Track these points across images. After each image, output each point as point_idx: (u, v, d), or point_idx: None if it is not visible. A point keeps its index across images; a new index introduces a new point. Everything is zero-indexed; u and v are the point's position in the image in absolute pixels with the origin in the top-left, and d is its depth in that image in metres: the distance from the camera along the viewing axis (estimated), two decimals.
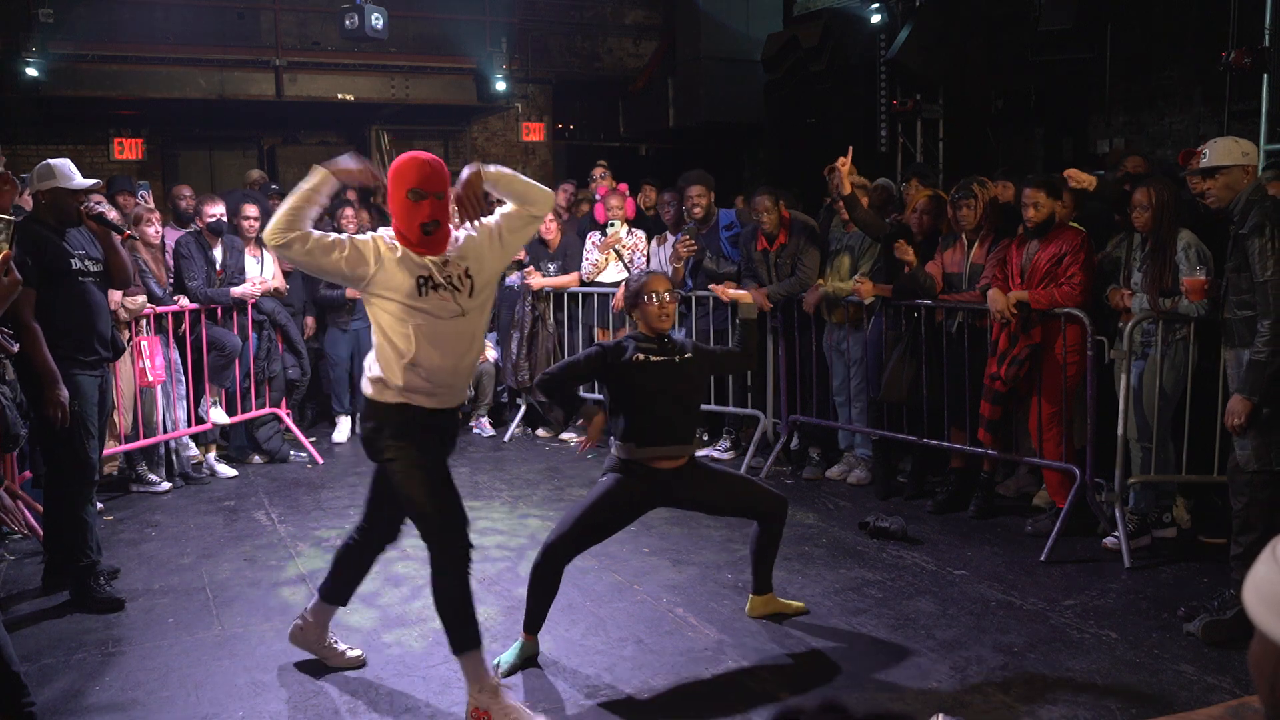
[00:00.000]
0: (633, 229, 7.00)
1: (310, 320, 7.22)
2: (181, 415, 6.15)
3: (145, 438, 5.93)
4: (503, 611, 4.11)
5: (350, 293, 7.04)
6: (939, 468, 5.67)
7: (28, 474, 5.15)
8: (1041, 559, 4.59)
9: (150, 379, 5.77)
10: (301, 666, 3.62)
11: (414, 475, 3.14)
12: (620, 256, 6.92)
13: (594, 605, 4.13)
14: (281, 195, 8.37)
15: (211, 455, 6.43)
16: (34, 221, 4.26)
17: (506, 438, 7.26)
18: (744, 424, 6.73)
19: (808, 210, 6.63)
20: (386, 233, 3.22)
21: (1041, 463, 5.01)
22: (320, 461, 6.69)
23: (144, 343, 5.75)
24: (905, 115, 10.42)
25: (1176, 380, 4.63)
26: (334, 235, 3.15)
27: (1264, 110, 6.55)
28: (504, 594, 4.32)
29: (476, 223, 3.25)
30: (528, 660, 3.61)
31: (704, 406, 5.70)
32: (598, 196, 7.18)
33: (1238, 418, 3.74)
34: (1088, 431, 4.72)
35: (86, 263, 4.34)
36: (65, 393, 4.06)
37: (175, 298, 6.06)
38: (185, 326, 6.08)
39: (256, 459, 6.72)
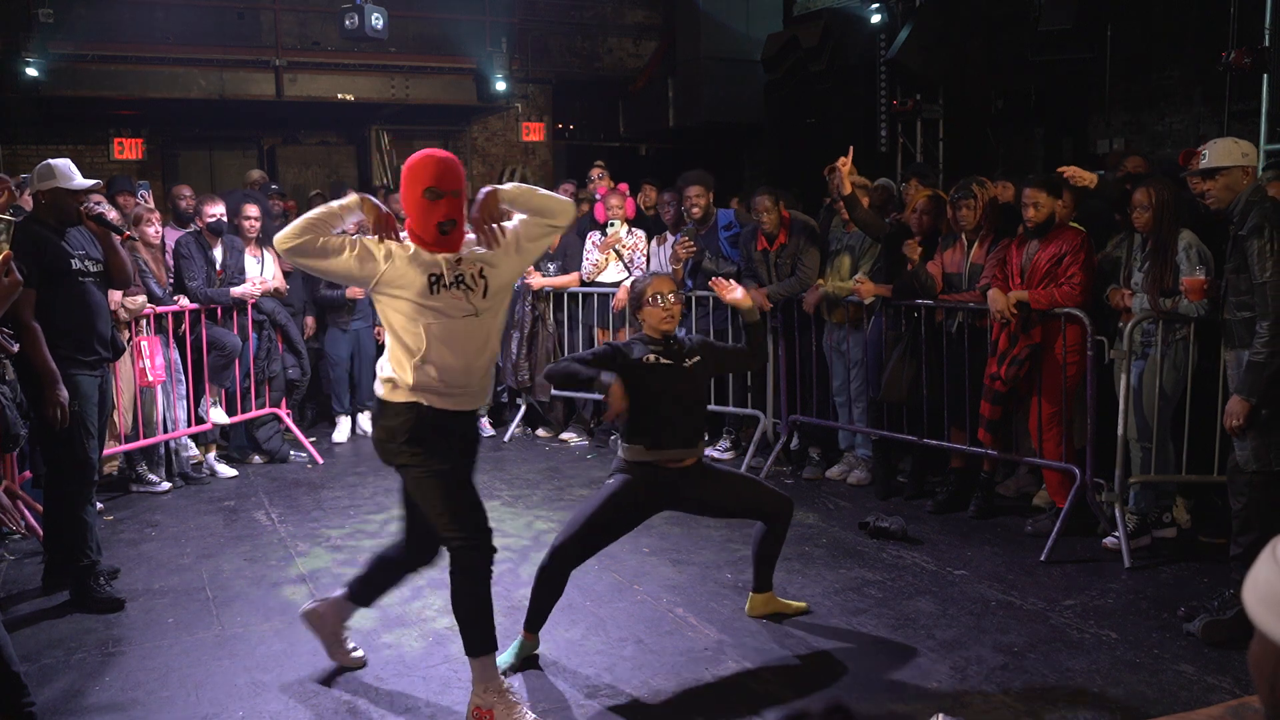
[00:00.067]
0: (633, 229, 7.00)
1: (310, 320, 7.22)
2: (181, 415, 6.15)
3: (145, 438, 5.93)
4: (502, 612, 4.08)
5: (350, 293, 7.05)
6: (939, 468, 5.67)
7: (28, 474, 5.15)
8: (1041, 559, 4.59)
9: (150, 379, 5.78)
10: (301, 666, 3.62)
11: (427, 480, 3.12)
12: (620, 256, 6.92)
13: (594, 605, 4.13)
14: (282, 195, 8.42)
15: (211, 455, 6.44)
16: (34, 221, 4.27)
17: (506, 438, 7.27)
18: (744, 424, 6.73)
19: (808, 210, 6.63)
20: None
21: (1041, 463, 5.01)
22: (320, 461, 6.69)
23: (144, 343, 5.75)
24: (905, 115, 10.42)
25: (1176, 380, 4.63)
26: (343, 236, 3.12)
27: (1264, 110, 6.55)
28: (504, 595, 4.31)
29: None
30: (527, 660, 3.60)
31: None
32: (598, 196, 7.18)
33: (1236, 419, 3.74)
34: (1088, 431, 4.72)
35: (86, 263, 4.34)
36: (65, 393, 4.06)
37: (175, 298, 6.06)
38: (185, 326, 6.08)
39: (256, 459, 6.72)
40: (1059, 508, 4.82)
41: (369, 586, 3.54)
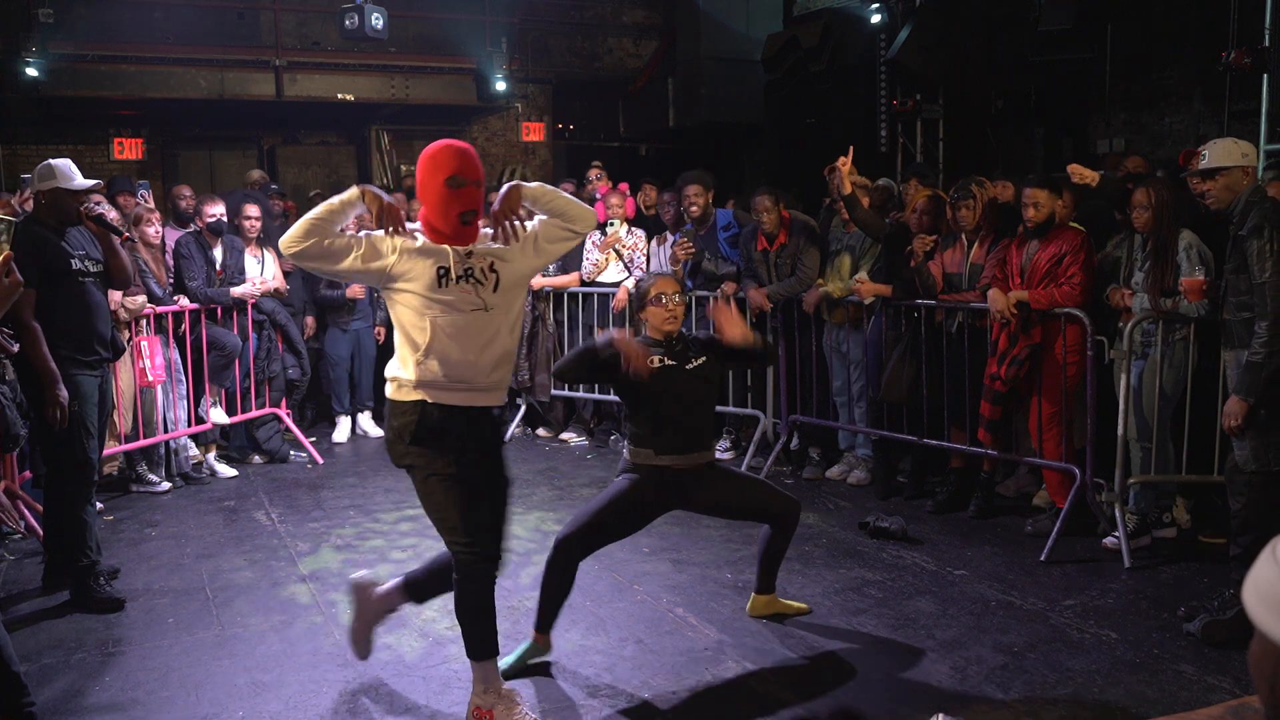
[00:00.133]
0: (632, 228, 7.00)
1: (310, 320, 7.22)
2: (181, 415, 6.15)
3: (145, 438, 5.93)
4: (502, 614, 4.08)
5: (350, 292, 7.05)
6: (939, 468, 5.67)
7: (28, 474, 5.15)
8: (1041, 559, 4.59)
9: (150, 379, 5.78)
10: (301, 666, 3.62)
11: (429, 483, 3.07)
12: (620, 256, 6.92)
13: (594, 605, 4.13)
14: (282, 195, 8.42)
15: (211, 455, 6.44)
16: (34, 222, 4.27)
17: (506, 438, 7.26)
18: (744, 424, 6.74)
19: (808, 210, 6.63)
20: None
21: (1041, 463, 5.01)
22: (320, 461, 6.69)
23: (144, 343, 5.75)
24: (905, 115, 10.43)
25: (1176, 380, 4.63)
26: (349, 234, 3.08)
27: (1264, 110, 6.55)
28: (503, 597, 4.30)
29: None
30: (534, 664, 3.55)
31: None
32: (598, 196, 7.18)
33: (1235, 419, 3.74)
34: (1088, 431, 4.72)
35: (87, 263, 4.34)
36: (65, 393, 4.06)
37: (175, 298, 6.06)
38: (185, 326, 6.09)
39: (256, 459, 6.72)
40: (1059, 508, 4.82)
41: (425, 584, 3.45)
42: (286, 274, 6.80)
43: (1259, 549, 1.05)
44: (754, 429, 6.47)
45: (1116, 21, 9.68)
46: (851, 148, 5.63)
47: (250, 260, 6.48)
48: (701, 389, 3.75)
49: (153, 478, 6.03)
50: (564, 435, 7.24)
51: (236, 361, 6.32)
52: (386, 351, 7.32)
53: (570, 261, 7.09)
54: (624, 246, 6.91)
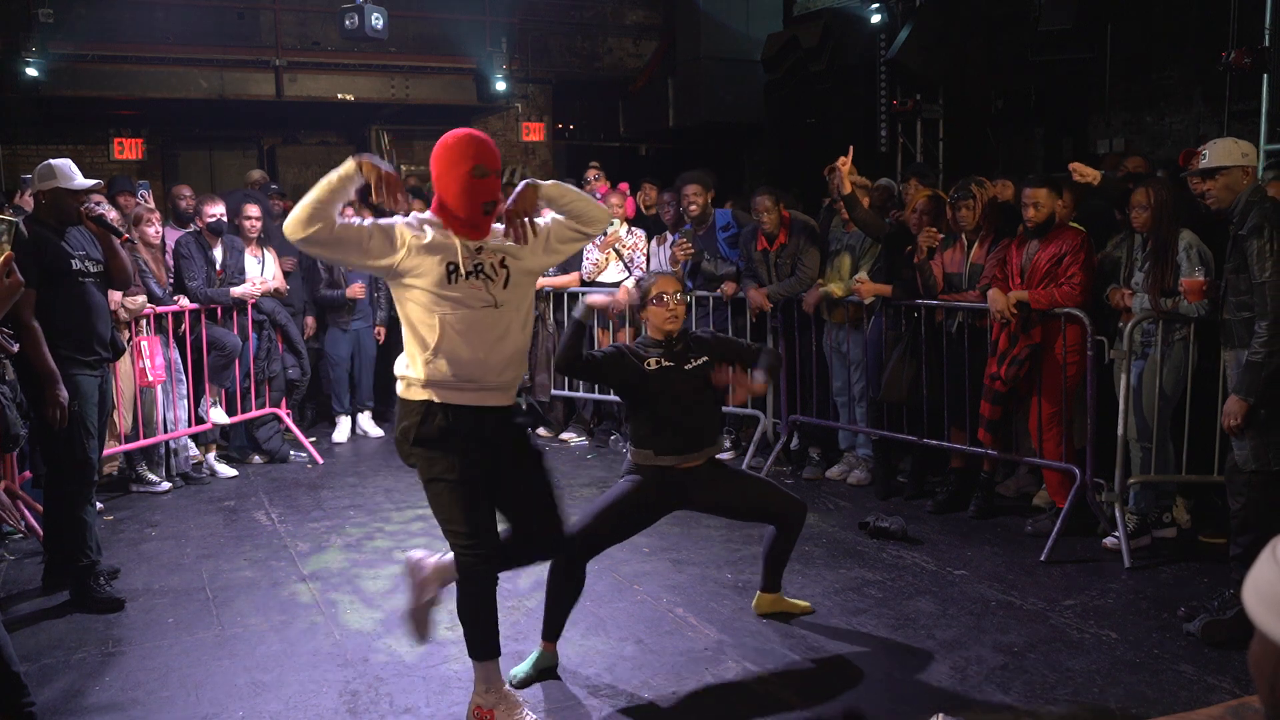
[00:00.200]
0: (632, 228, 7.00)
1: (310, 320, 7.22)
2: (182, 415, 6.15)
3: (145, 438, 5.93)
4: (502, 614, 4.10)
5: (350, 292, 7.05)
6: (939, 468, 5.67)
7: (28, 474, 5.15)
8: (1041, 559, 4.59)
9: (150, 379, 5.78)
10: (301, 666, 3.62)
11: (433, 484, 3.04)
12: (620, 256, 6.93)
13: (594, 605, 4.12)
14: (282, 195, 8.42)
15: (211, 455, 6.44)
16: (35, 222, 4.27)
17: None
18: (744, 424, 6.74)
19: (808, 210, 6.63)
20: (413, 218, 3.08)
21: (1041, 463, 5.01)
22: (320, 461, 6.69)
23: (144, 343, 5.75)
24: (905, 115, 10.43)
25: (1176, 380, 4.63)
26: (357, 222, 3.00)
27: (1264, 110, 6.55)
28: (503, 598, 4.30)
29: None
30: (544, 672, 3.52)
31: None
32: (598, 196, 7.18)
33: (1234, 419, 3.74)
34: (1088, 431, 4.72)
35: (87, 263, 4.34)
36: (65, 393, 4.06)
37: (175, 298, 6.06)
38: (185, 326, 6.09)
39: (256, 459, 6.72)
40: (1059, 508, 4.81)
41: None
42: (286, 274, 6.80)
43: (1259, 549, 1.05)
44: (754, 429, 6.47)
45: (1116, 21, 9.68)
46: (851, 148, 5.63)
47: (250, 260, 6.48)
48: (701, 389, 3.71)
49: (153, 478, 6.03)
50: (564, 435, 7.24)
51: (236, 361, 6.32)
52: (387, 351, 7.37)
53: (570, 261, 7.07)
54: (624, 246, 6.91)
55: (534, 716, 3.16)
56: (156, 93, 10.37)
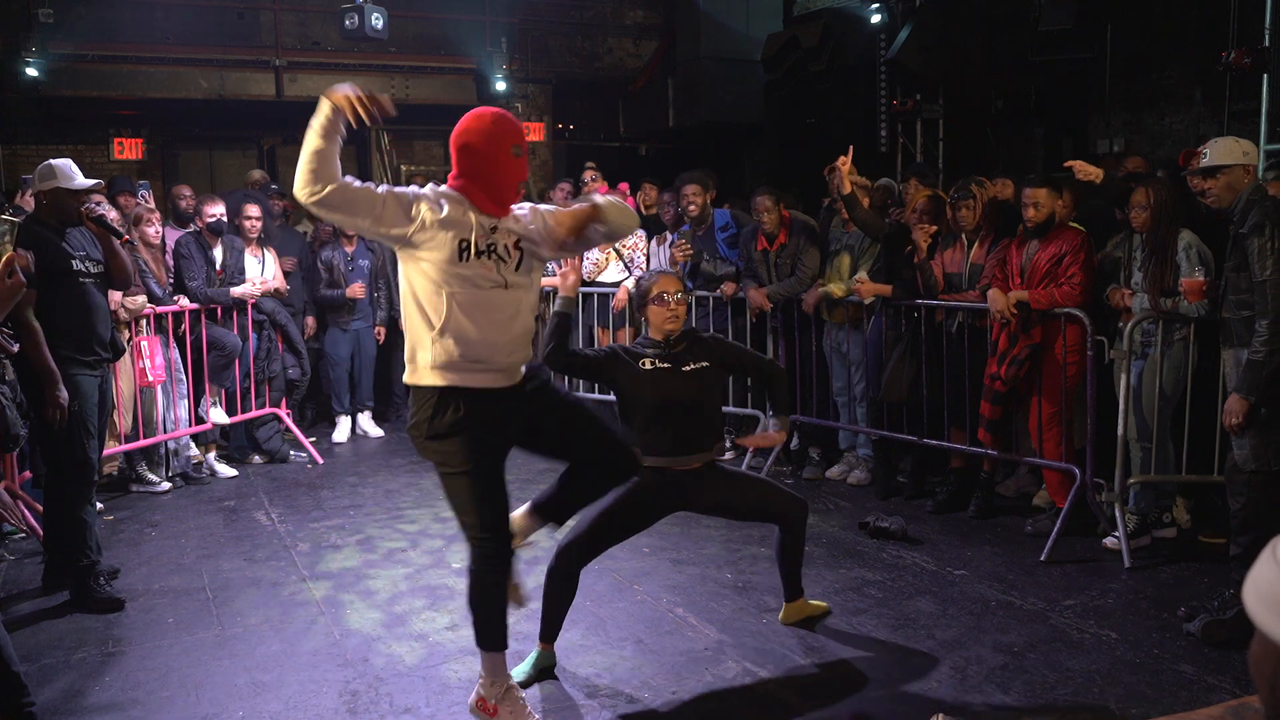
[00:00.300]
0: None
1: (310, 320, 7.22)
2: (182, 415, 6.15)
3: (145, 438, 5.93)
4: None
5: (350, 292, 7.05)
6: (939, 468, 5.67)
7: (28, 474, 5.15)
8: (1041, 559, 4.59)
9: (150, 379, 5.78)
10: (301, 666, 3.62)
11: (448, 478, 3.02)
12: (620, 256, 6.93)
13: (594, 605, 4.12)
14: (282, 195, 8.42)
15: (211, 455, 6.44)
16: (35, 222, 4.28)
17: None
18: (744, 424, 6.73)
19: (808, 210, 6.63)
20: (430, 189, 3.02)
21: (1041, 463, 5.01)
22: (320, 461, 6.69)
23: (144, 343, 5.75)
24: (905, 115, 10.42)
25: (1176, 380, 4.63)
26: (371, 187, 2.91)
27: (1264, 110, 6.55)
28: None
29: (543, 209, 3.12)
30: (543, 671, 3.53)
31: None
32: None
33: (1235, 417, 3.74)
34: (1088, 431, 4.72)
35: (87, 264, 4.34)
36: (65, 393, 4.07)
37: (175, 298, 6.07)
38: (185, 326, 6.09)
39: (256, 459, 6.72)
40: (1059, 508, 4.81)
41: (561, 502, 3.34)
42: (286, 274, 6.81)
43: (1259, 549, 1.05)
44: (754, 429, 6.47)
45: (1116, 21, 9.68)
46: (851, 147, 5.63)
47: (250, 260, 6.48)
48: (698, 392, 3.68)
49: (153, 478, 6.03)
50: None
51: (236, 361, 6.32)
52: (387, 351, 7.38)
53: None
54: (624, 246, 6.91)
55: (536, 717, 3.15)
56: (156, 93, 10.38)
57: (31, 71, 9.65)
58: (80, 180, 4.28)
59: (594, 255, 6.97)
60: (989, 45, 10.50)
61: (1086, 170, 4.95)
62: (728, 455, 6.55)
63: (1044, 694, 3.35)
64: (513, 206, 3.10)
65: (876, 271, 5.68)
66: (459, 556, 4.75)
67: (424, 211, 2.93)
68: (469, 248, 2.94)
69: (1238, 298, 3.87)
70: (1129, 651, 3.65)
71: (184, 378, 6.16)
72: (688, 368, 3.68)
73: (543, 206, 3.20)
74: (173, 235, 6.43)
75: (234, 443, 6.72)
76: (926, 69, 10.07)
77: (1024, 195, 4.90)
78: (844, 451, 6.18)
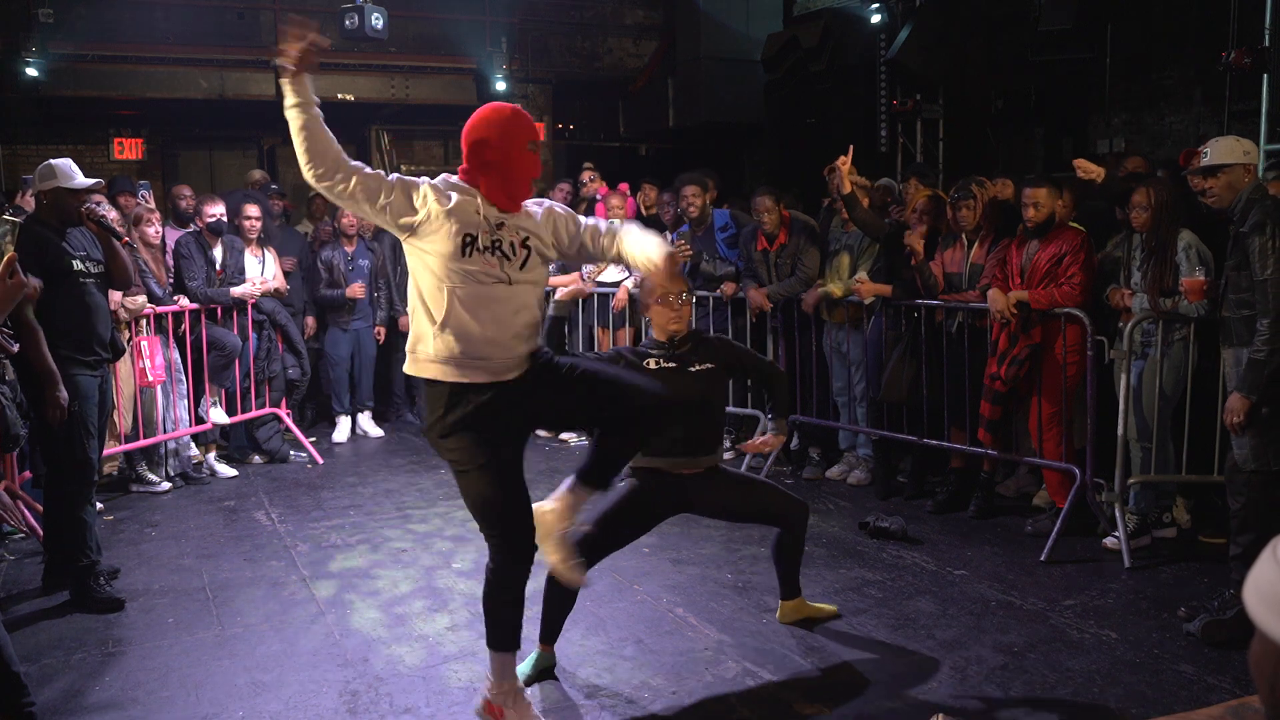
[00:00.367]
0: None
1: (310, 320, 7.22)
2: (182, 415, 6.15)
3: (145, 438, 5.93)
4: None
5: (350, 292, 7.06)
6: (939, 468, 5.67)
7: (28, 474, 5.15)
8: (1041, 559, 4.59)
9: (150, 379, 5.78)
10: (301, 666, 3.62)
11: (463, 476, 3.00)
12: None
13: (594, 605, 4.12)
14: (282, 195, 8.42)
15: (211, 455, 6.44)
16: (36, 222, 4.28)
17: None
18: (744, 424, 6.73)
19: (808, 210, 6.63)
20: (441, 179, 3.00)
21: (1041, 463, 5.00)
22: (320, 461, 6.69)
23: (144, 343, 5.75)
24: (905, 115, 10.43)
25: (1176, 380, 4.63)
26: (381, 176, 2.92)
27: (1264, 110, 6.55)
28: None
29: (548, 202, 3.12)
30: (543, 672, 3.53)
31: None
32: (598, 197, 7.18)
33: (1236, 416, 3.74)
34: (1088, 431, 4.72)
35: (88, 264, 4.34)
36: (65, 393, 4.07)
37: (175, 298, 6.07)
38: (185, 326, 6.09)
39: (256, 459, 6.72)
40: (1059, 508, 4.81)
41: (600, 467, 3.23)
42: (286, 274, 6.81)
43: (1259, 549, 1.05)
44: (754, 429, 6.47)
45: (1116, 21, 9.68)
46: (851, 147, 5.63)
47: (250, 260, 6.48)
48: (704, 393, 3.67)
49: (153, 478, 6.03)
50: (564, 435, 7.23)
51: (236, 361, 6.32)
52: (386, 351, 7.38)
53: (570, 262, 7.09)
54: None
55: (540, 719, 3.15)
56: (156, 93, 10.37)
57: (31, 71, 9.65)
58: (80, 180, 4.28)
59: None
60: (989, 45, 10.51)
61: (1089, 169, 4.95)
62: (727, 456, 6.55)
63: (1044, 694, 3.35)
64: (526, 202, 3.07)
65: (876, 271, 5.68)
66: (462, 557, 4.76)
67: (431, 201, 2.92)
68: (474, 242, 2.91)
69: (1238, 297, 3.87)
70: (1129, 651, 3.65)
71: (184, 378, 6.16)
72: (694, 369, 3.67)
73: (558, 208, 3.16)
74: (173, 235, 6.43)
75: (234, 443, 6.72)
76: (926, 69, 10.07)
77: (1024, 195, 4.91)
78: (844, 451, 6.18)
